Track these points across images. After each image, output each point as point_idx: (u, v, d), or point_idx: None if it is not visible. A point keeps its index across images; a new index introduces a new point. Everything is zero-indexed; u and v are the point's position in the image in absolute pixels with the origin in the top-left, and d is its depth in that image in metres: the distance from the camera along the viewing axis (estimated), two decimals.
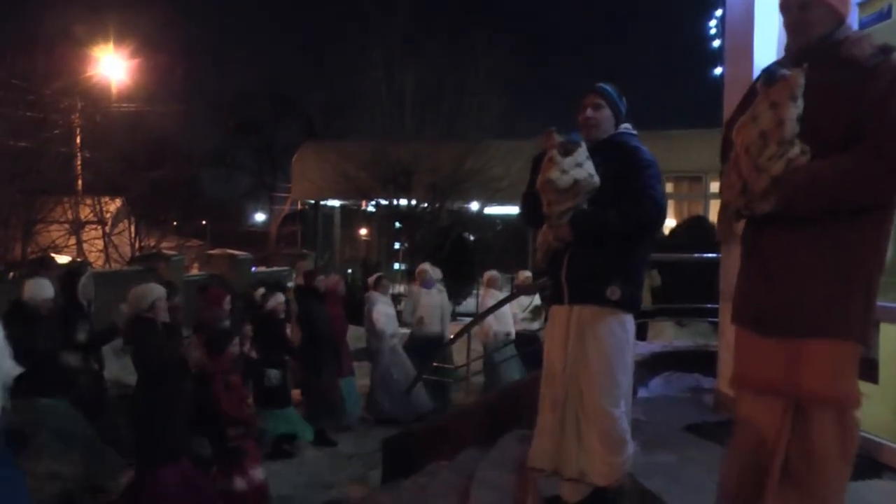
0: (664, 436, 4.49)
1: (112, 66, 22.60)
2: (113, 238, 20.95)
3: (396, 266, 24.40)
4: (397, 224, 22.97)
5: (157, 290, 5.31)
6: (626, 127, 3.79)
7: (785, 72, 2.53)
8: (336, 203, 27.23)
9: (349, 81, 22.26)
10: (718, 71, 6.17)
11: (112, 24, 22.67)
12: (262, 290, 8.55)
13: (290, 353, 8.06)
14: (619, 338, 3.56)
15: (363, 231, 33.57)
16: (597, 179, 3.52)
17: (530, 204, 3.82)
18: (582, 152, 3.57)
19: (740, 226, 2.76)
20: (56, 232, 19.15)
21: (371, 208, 25.77)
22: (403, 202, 21.82)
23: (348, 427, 9.05)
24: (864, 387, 3.89)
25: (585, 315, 3.57)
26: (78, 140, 21.28)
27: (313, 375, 8.44)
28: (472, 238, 23.83)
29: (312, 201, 27.09)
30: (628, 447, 3.51)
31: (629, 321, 3.62)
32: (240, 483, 5.96)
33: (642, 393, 5.62)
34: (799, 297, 2.49)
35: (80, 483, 6.09)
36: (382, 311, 9.55)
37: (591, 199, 3.56)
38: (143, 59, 23.04)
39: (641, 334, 11.64)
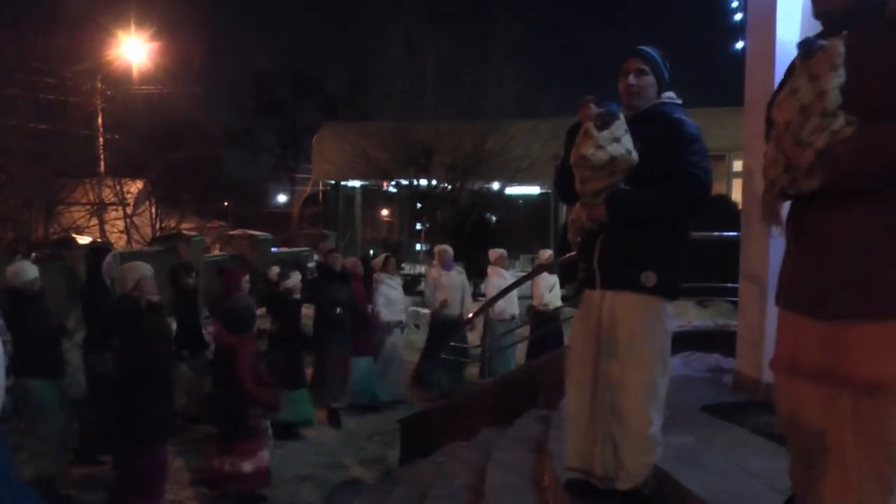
0: (682, 416, 4.42)
1: (133, 49, 22.66)
2: (134, 219, 21.09)
3: (419, 247, 24.40)
4: (418, 205, 22.89)
5: (141, 269, 5.24)
6: (669, 96, 3.55)
7: (823, 42, 2.42)
8: (357, 184, 27.21)
9: (370, 60, 22.18)
10: (740, 45, 6.01)
11: (133, 6, 22.70)
12: (276, 269, 8.55)
13: (298, 333, 8.06)
14: (654, 331, 3.35)
15: (385, 212, 33.59)
16: (635, 156, 3.29)
17: (563, 180, 3.57)
18: (620, 125, 3.31)
19: (785, 206, 2.65)
20: (77, 213, 19.31)
21: (392, 189, 25.75)
22: (424, 182, 21.74)
23: (366, 406, 9.09)
24: None
25: (619, 303, 3.35)
26: (100, 122, 21.45)
27: (321, 353, 8.45)
28: (493, 218, 23.75)
29: (333, 182, 27.10)
30: (658, 449, 3.38)
31: (667, 310, 3.38)
32: (247, 466, 6.01)
33: None
34: (852, 277, 2.36)
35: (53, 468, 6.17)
36: (382, 292, 9.49)
37: (629, 176, 3.32)
38: (164, 41, 23.10)
39: None
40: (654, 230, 3.34)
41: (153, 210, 22.11)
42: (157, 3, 23.31)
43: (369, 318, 9.25)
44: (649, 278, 3.29)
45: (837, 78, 2.35)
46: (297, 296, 8.17)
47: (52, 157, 17.22)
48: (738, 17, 7.33)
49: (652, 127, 3.39)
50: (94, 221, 19.47)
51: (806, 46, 2.49)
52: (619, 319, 3.35)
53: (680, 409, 4.63)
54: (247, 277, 7.82)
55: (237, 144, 37.20)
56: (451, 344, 8.50)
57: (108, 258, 7.08)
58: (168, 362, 5.44)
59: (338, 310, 8.39)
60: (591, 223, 3.44)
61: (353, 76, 27.44)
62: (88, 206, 19.59)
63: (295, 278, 8.10)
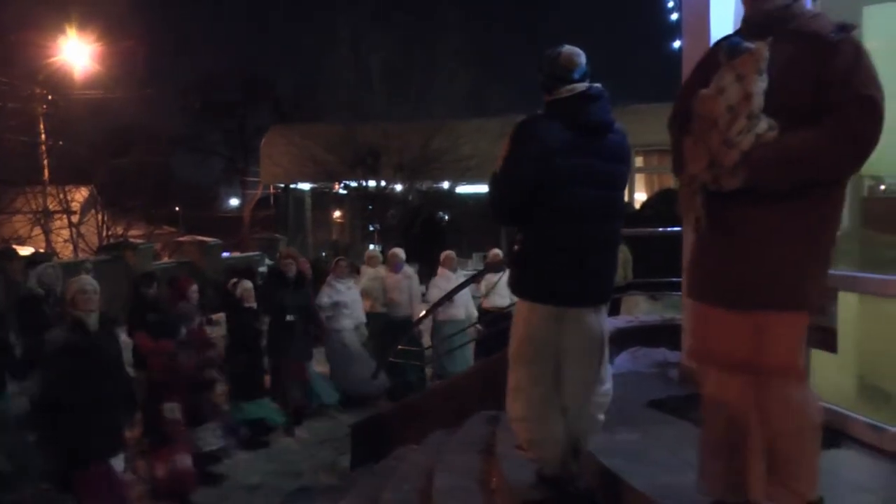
0: (628, 413, 4.44)
1: (75, 52, 22.06)
2: (80, 228, 20.60)
3: (372, 247, 24.32)
4: (369, 206, 22.79)
5: (78, 284, 5.06)
6: (556, 93, 3.47)
7: (749, 45, 2.49)
8: (307, 186, 26.99)
9: (317, 62, 22.06)
10: (677, 44, 6.06)
11: (75, 9, 22.12)
12: (234, 280, 8.43)
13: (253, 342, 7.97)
14: (513, 324, 3.60)
15: (337, 214, 33.34)
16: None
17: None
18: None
19: (700, 200, 2.68)
20: (19, 223, 18.80)
21: (343, 191, 25.58)
22: (372, 184, 21.66)
23: (318, 411, 9.04)
24: (823, 356, 3.94)
25: None
26: (42, 128, 20.90)
27: (278, 360, 8.38)
28: (446, 217, 23.73)
29: (283, 185, 26.84)
30: None
31: (527, 308, 3.52)
32: (160, 469, 6.06)
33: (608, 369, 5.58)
34: (765, 270, 2.49)
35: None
36: (328, 293, 9.40)
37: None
38: (107, 44, 22.56)
39: (614, 309, 11.65)
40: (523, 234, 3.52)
41: (100, 218, 21.60)
42: (99, 5, 22.77)
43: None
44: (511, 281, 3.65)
45: (762, 82, 2.45)
46: (251, 304, 8.02)
47: None
48: (675, 16, 7.41)
49: None
50: (37, 231, 18.97)
51: (732, 46, 2.55)
52: None
53: (626, 405, 4.65)
54: (194, 287, 7.74)
55: (186, 148, 36.47)
56: (399, 347, 8.42)
57: (40, 268, 6.88)
58: (108, 379, 5.23)
59: (288, 317, 8.28)
60: None
61: (302, 78, 27.29)
62: (30, 216, 19.06)
63: (243, 286, 7.97)
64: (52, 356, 4.93)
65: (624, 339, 6.08)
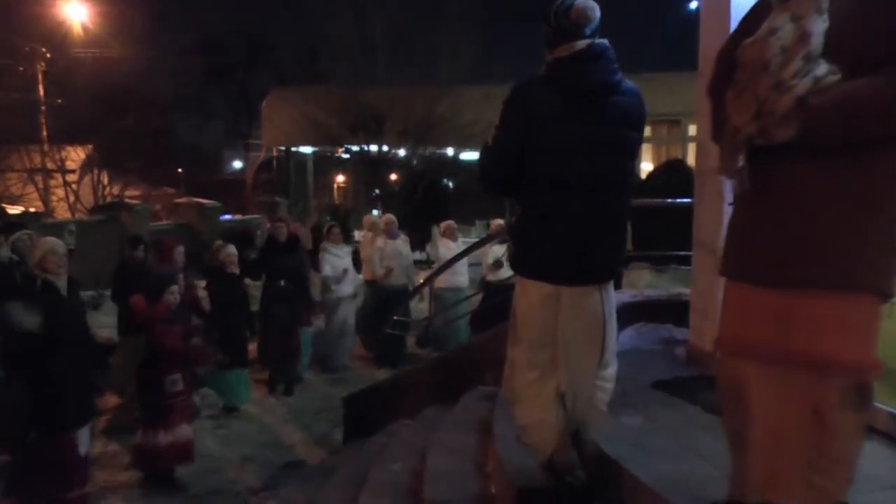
0: (631, 394, 4.23)
1: (75, 10, 21.73)
2: (75, 187, 20.32)
3: (375, 213, 24.14)
4: (371, 171, 22.52)
5: (47, 245, 4.83)
6: (557, 51, 3.15)
7: None
8: (309, 150, 26.67)
9: (321, 25, 21.64)
10: (694, 5, 5.72)
11: None
12: (219, 243, 8.18)
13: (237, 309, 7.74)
14: (513, 303, 3.39)
15: (340, 178, 33.04)
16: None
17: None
18: None
19: (743, 160, 2.33)
20: (10, 181, 18.51)
21: (345, 155, 25.29)
22: (374, 148, 21.37)
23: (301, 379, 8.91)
24: None
25: None
26: (41, 87, 20.60)
27: (266, 328, 8.19)
28: (450, 184, 23.43)
29: (284, 149, 26.54)
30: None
31: (525, 283, 3.29)
32: (164, 437, 5.87)
33: None
34: (819, 241, 2.12)
35: None
36: (329, 261, 9.20)
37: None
38: (107, 3, 22.18)
39: (616, 282, 11.42)
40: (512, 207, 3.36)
41: (97, 177, 21.30)
42: None
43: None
44: (510, 256, 3.45)
45: (823, 22, 2.10)
46: (234, 269, 7.78)
47: None
48: None
49: None
50: (30, 189, 18.70)
51: None
52: None
53: (630, 385, 4.44)
54: (179, 249, 7.50)
55: (188, 110, 36.13)
56: (395, 318, 8.21)
57: (15, 236, 6.61)
58: (77, 345, 4.99)
59: (281, 282, 8.05)
60: None
61: (305, 40, 26.84)
62: (24, 174, 18.78)
63: (229, 250, 7.72)
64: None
65: (629, 315, 5.83)
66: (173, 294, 5.97)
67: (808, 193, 2.14)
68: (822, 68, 2.08)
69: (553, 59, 3.12)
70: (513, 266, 3.39)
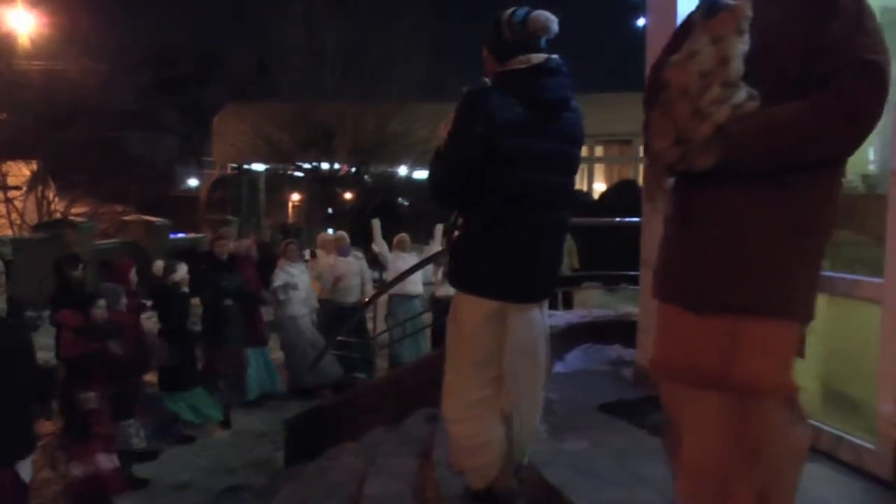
0: (576, 417, 4.12)
1: (19, 20, 21.16)
2: (19, 204, 19.75)
3: (330, 231, 23.95)
4: (322, 188, 22.29)
5: None
6: (511, 63, 3.05)
7: (729, 1, 2.09)
8: (261, 167, 26.35)
9: (271, 39, 21.41)
10: (641, 22, 5.68)
11: None
12: (160, 263, 7.97)
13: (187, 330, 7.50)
14: (450, 323, 3.25)
15: (296, 196, 32.72)
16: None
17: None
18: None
19: (668, 183, 2.29)
20: None
21: (299, 173, 25.03)
22: (326, 166, 21.17)
23: (258, 401, 8.68)
24: None
25: None
26: None
27: (210, 348, 7.96)
28: (405, 203, 23.31)
29: (236, 165, 26.19)
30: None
31: (463, 301, 3.17)
32: (76, 469, 5.60)
33: (558, 368, 5.24)
34: (738, 267, 2.08)
35: None
36: (283, 278, 9.02)
37: None
38: (54, 13, 21.68)
39: (567, 302, 11.40)
40: (453, 221, 3.22)
41: (42, 194, 20.74)
42: None
43: (258, 309, 8.81)
44: (447, 270, 3.28)
45: (742, 44, 2.04)
46: (186, 289, 7.59)
47: None
48: None
49: None
50: None
51: (709, 3, 2.13)
52: None
53: (575, 408, 4.35)
54: (133, 270, 7.37)
55: (139, 125, 35.46)
56: (340, 337, 8.03)
57: None
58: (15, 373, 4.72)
59: (226, 301, 7.83)
60: None
61: (256, 55, 26.57)
62: None
63: (182, 270, 7.53)
64: None
65: (576, 335, 5.75)
66: (101, 308, 5.73)
67: (731, 218, 2.10)
68: (742, 94, 2.04)
69: (507, 70, 3.02)
70: (454, 282, 3.21)
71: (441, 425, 4.27)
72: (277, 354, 9.40)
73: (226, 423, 7.94)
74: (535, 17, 3.00)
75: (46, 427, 7.37)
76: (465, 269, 3.15)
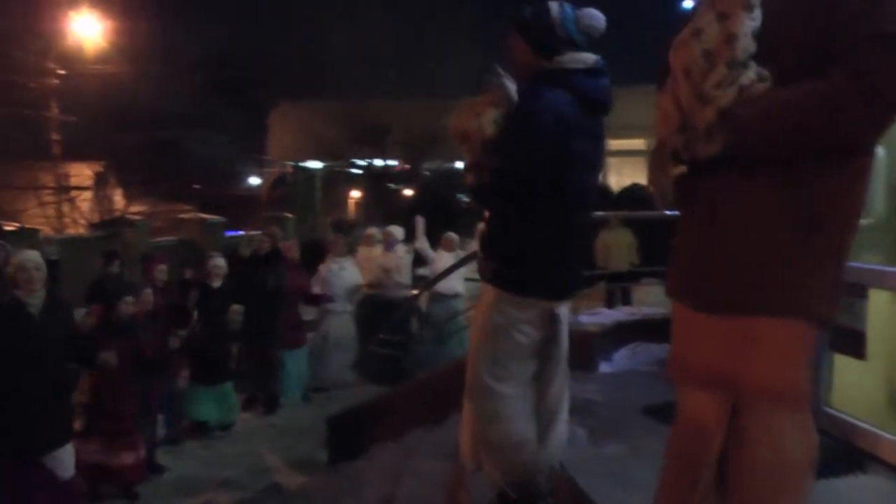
0: (618, 420, 3.93)
1: (85, 27, 21.78)
2: (83, 203, 20.29)
3: (373, 228, 23.94)
4: (378, 185, 22.32)
5: (16, 261, 4.53)
6: (562, 60, 2.98)
7: None
8: (318, 165, 26.52)
9: (324, 38, 21.53)
10: (688, 4, 5.35)
11: None
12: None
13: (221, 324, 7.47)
14: (487, 326, 3.08)
15: (355, 193, 32.88)
16: (489, 131, 2.99)
17: None
18: (488, 97, 3.04)
19: (677, 173, 2.10)
20: (11, 196, 18.45)
21: (357, 170, 25.14)
22: (379, 162, 21.21)
23: (304, 397, 8.68)
24: (849, 363, 3.35)
25: (484, 292, 3.19)
26: (54, 104, 20.64)
27: (249, 343, 7.95)
28: (465, 200, 23.11)
29: (293, 163, 26.43)
30: (516, 450, 3.08)
31: (505, 301, 3.03)
32: (109, 459, 5.72)
33: (604, 368, 5.04)
34: (744, 264, 1.91)
35: None
36: (325, 275, 9.01)
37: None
38: (117, 19, 22.24)
39: (625, 299, 11.07)
40: (497, 219, 3.11)
41: (105, 193, 21.27)
42: None
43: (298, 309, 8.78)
44: (489, 271, 3.10)
45: (751, 20, 1.84)
46: (218, 283, 7.55)
47: None
48: None
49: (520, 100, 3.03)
50: (32, 205, 18.64)
51: None
52: (480, 310, 3.20)
53: (619, 411, 4.14)
54: (162, 267, 7.41)
55: (199, 124, 36.16)
56: (381, 336, 7.89)
57: None
58: (37, 369, 4.72)
59: (262, 299, 7.81)
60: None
61: (312, 54, 26.74)
62: (29, 190, 18.75)
63: (215, 262, 7.50)
64: None
65: (624, 334, 5.50)
66: (127, 304, 5.79)
67: (738, 211, 1.92)
68: (750, 74, 1.84)
69: (559, 68, 2.96)
70: (498, 282, 3.07)
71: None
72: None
73: (270, 409, 8.03)
74: (587, 15, 3.00)
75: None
76: (513, 269, 3.04)
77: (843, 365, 3.36)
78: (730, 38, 1.83)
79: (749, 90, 1.83)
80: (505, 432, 3.08)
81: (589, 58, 2.99)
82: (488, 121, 2.99)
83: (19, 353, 4.46)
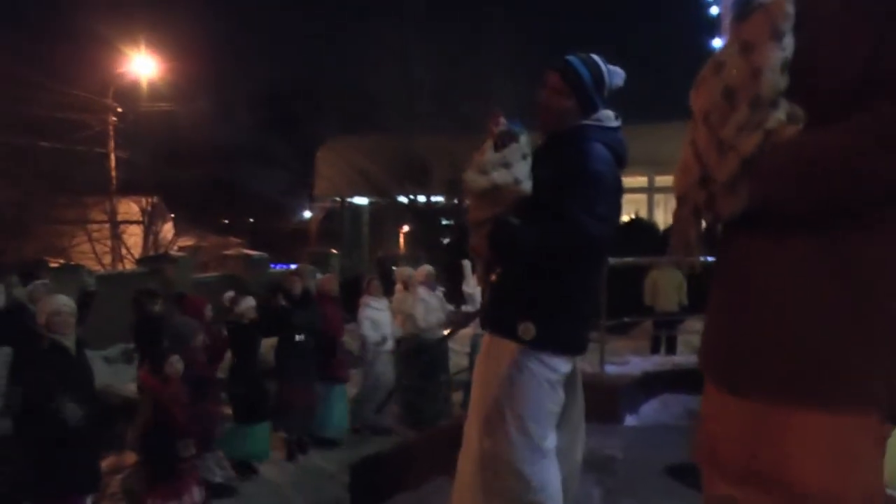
0: (637, 480, 3.71)
1: (143, 65, 22.48)
2: (125, 238, 20.72)
3: (406, 267, 23.96)
4: (422, 221, 22.32)
5: (53, 304, 4.72)
6: (599, 117, 2.91)
7: None
8: (364, 200, 26.71)
9: (371, 74, 21.77)
10: (717, 43, 5.14)
11: (143, 23, 22.59)
12: (230, 294, 7.98)
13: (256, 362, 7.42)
14: (519, 388, 2.81)
15: (405, 228, 32.97)
16: (526, 187, 2.81)
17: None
18: (517, 149, 2.84)
19: (698, 230, 1.78)
20: (51, 233, 18.87)
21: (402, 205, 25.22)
22: (422, 198, 21.24)
23: (334, 440, 8.51)
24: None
25: (497, 349, 2.90)
26: (111, 142, 21.23)
27: (283, 381, 7.87)
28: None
29: (339, 199, 26.66)
30: None
31: (543, 363, 2.83)
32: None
33: (629, 421, 4.81)
34: (782, 340, 1.58)
35: None
36: (367, 315, 8.92)
37: (525, 207, 2.82)
38: (172, 58, 22.90)
39: (670, 346, 10.81)
40: (543, 273, 2.85)
41: (151, 229, 21.70)
42: (164, 20, 23.16)
43: (339, 344, 8.72)
44: (527, 330, 2.81)
45: (781, 51, 1.54)
46: (248, 321, 7.52)
47: (57, 176, 16.98)
48: (715, 10, 6.48)
49: (558, 155, 2.86)
50: (82, 240, 19.07)
51: (741, 4, 1.72)
52: (493, 368, 2.90)
53: (639, 469, 3.92)
54: (209, 307, 7.42)
55: (253, 160, 36.87)
56: (405, 381, 7.76)
57: (31, 286, 6.53)
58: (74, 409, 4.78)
59: (296, 336, 7.75)
60: (476, 255, 3.02)
61: (356, 89, 27.10)
62: (82, 226, 19.17)
63: (247, 303, 7.50)
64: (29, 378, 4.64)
65: (652, 385, 5.27)
66: (172, 365, 5.70)
67: (771, 276, 1.61)
68: (779, 116, 1.55)
69: (599, 125, 2.92)
70: (527, 339, 2.84)
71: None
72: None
73: (290, 457, 7.88)
74: (617, 74, 2.98)
75: (127, 459, 7.45)
76: (546, 323, 2.85)
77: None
78: (755, 73, 1.56)
79: (777, 134, 1.54)
80: (533, 485, 2.86)
81: (613, 115, 2.97)
82: (524, 174, 2.83)
83: (67, 394, 4.58)
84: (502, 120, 2.95)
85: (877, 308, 1.52)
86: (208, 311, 7.44)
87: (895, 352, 1.53)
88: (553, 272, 2.84)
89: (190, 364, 6.08)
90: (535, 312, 2.83)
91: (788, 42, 1.56)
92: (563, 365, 2.87)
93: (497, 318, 2.96)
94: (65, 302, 4.84)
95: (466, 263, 9.15)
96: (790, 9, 1.57)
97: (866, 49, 1.49)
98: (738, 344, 1.66)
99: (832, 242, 1.54)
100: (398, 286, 9.81)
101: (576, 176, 2.76)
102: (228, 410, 7.46)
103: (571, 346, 2.92)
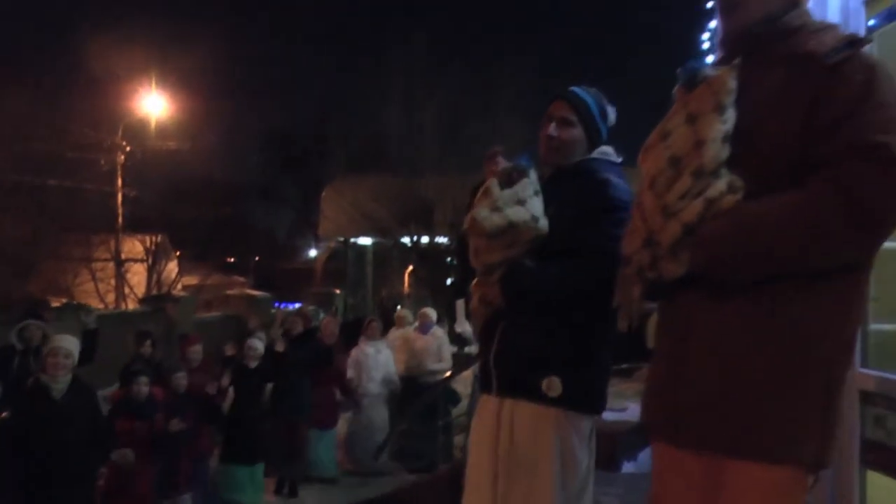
0: None
1: (152, 103, 22.67)
2: (128, 277, 20.73)
3: (404, 310, 23.91)
4: (423, 262, 22.37)
5: (50, 345, 4.81)
6: (603, 151, 2.79)
7: (708, 71, 1.74)
8: (368, 241, 26.75)
9: (376, 115, 22.00)
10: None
11: (152, 62, 22.82)
12: (229, 346, 8.04)
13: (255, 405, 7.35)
14: (563, 457, 2.55)
15: (410, 268, 32.95)
16: (544, 224, 2.58)
17: (462, 251, 2.97)
18: (528, 185, 2.63)
19: (639, 291, 1.91)
20: (54, 271, 18.90)
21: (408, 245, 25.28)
22: (426, 239, 21.30)
23: (325, 481, 8.48)
24: (883, 483, 3.01)
25: (518, 416, 2.59)
26: (119, 180, 21.34)
27: (276, 421, 7.81)
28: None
29: (342, 239, 26.70)
30: None
31: (582, 427, 2.61)
32: None
33: (628, 468, 4.72)
34: (721, 396, 1.67)
35: None
36: (355, 357, 8.92)
37: (538, 249, 2.59)
38: (183, 96, 23.13)
39: None
40: (564, 321, 2.57)
41: (161, 266, 21.73)
42: (173, 60, 23.40)
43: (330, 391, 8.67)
44: (552, 385, 2.54)
45: (722, 124, 1.65)
46: (254, 364, 7.52)
47: (62, 214, 17.07)
48: (710, 59, 6.53)
49: (572, 188, 2.65)
50: (85, 279, 19.08)
51: (688, 73, 1.76)
52: (519, 439, 2.56)
53: None
54: (196, 348, 7.48)
55: (260, 199, 37.16)
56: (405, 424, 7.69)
57: (21, 324, 6.52)
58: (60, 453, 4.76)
59: (292, 377, 7.73)
60: (485, 306, 2.68)
61: (360, 131, 27.36)
62: (83, 264, 19.17)
63: (251, 343, 7.57)
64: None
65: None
66: (140, 384, 5.89)
67: (710, 335, 1.70)
68: (720, 185, 1.64)
69: (607, 160, 2.79)
70: (561, 401, 2.57)
71: None
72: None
73: (292, 493, 7.86)
74: (611, 110, 2.87)
75: None
76: (581, 382, 2.62)
77: (875, 486, 3.03)
78: (699, 144, 1.65)
79: (717, 203, 1.63)
80: None
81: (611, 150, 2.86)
82: (539, 210, 2.60)
83: (41, 436, 4.60)
84: (500, 159, 2.87)
85: (817, 368, 1.62)
86: (193, 353, 7.46)
87: (828, 410, 1.64)
88: (578, 317, 2.58)
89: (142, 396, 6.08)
90: (563, 366, 2.56)
91: (730, 115, 1.66)
92: (585, 423, 2.63)
93: (510, 377, 2.64)
94: (62, 344, 4.87)
95: (460, 304, 9.09)
96: (732, 84, 1.66)
97: (798, 125, 1.60)
98: (679, 403, 1.73)
99: (777, 304, 1.62)
100: (395, 329, 9.81)
101: (601, 205, 2.58)
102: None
103: (598, 404, 2.67)
